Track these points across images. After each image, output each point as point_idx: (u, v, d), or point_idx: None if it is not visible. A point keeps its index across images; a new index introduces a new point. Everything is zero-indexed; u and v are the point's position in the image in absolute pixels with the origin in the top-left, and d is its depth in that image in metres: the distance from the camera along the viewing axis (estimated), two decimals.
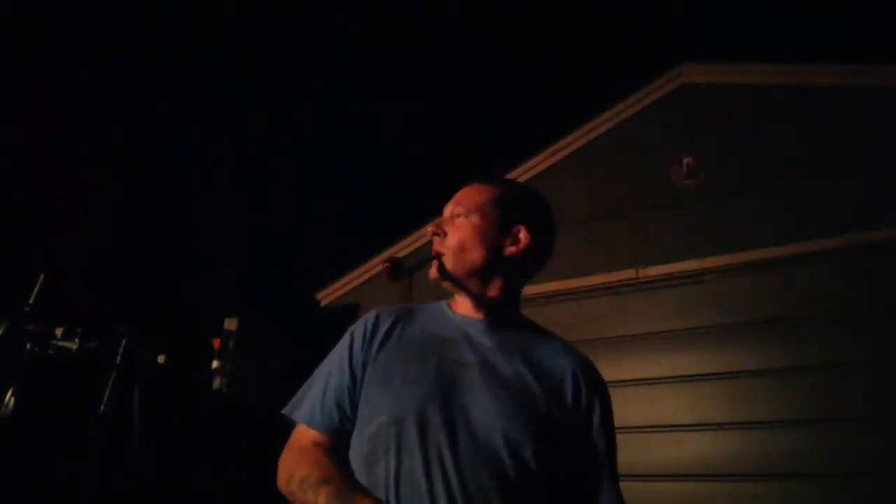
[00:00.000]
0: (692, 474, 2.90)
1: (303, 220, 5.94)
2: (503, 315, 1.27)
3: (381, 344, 1.22)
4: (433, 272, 1.26)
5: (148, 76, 5.19)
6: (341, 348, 1.25)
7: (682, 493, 2.90)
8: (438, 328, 1.25)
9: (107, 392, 1.86)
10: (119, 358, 1.91)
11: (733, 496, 2.79)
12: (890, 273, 2.71)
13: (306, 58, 6.28)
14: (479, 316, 1.26)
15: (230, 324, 2.22)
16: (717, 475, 2.85)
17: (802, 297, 2.88)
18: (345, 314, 4.28)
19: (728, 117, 3.30)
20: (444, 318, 1.29)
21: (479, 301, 1.26)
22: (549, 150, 3.78)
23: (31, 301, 1.94)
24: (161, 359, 2.00)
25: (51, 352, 1.87)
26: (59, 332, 1.88)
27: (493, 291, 1.26)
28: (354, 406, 1.17)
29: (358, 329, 1.26)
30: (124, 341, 1.93)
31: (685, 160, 3.28)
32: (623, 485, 1.21)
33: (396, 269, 1.28)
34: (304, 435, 1.18)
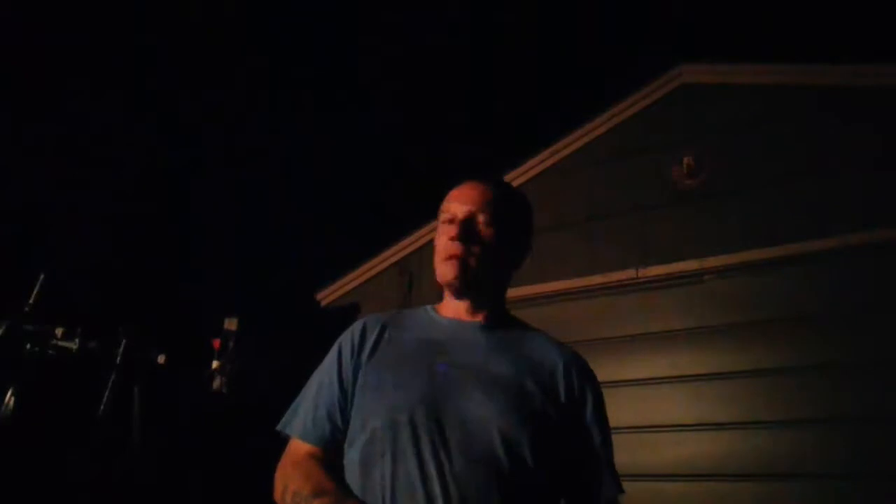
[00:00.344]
0: (692, 474, 2.90)
1: (303, 220, 5.94)
2: (495, 315, 1.29)
3: (371, 352, 1.22)
4: (454, 274, 1.22)
5: (147, 75, 5.19)
6: (330, 360, 1.25)
7: (682, 493, 2.90)
8: (428, 332, 1.25)
9: (107, 392, 1.86)
10: (119, 358, 1.91)
11: (733, 496, 2.79)
12: (890, 273, 2.71)
13: (306, 57, 6.28)
14: (473, 318, 1.27)
15: (230, 324, 2.23)
16: (717, 475, 2.85)
17: (802, 297, 2.88)
18: (345, 314, 4.28)
19: (728, 117, 3.30)
20: (432, 322, 1.29)
21: (479, 305, 1.27)
22: (549, 150, 3.78)
23: (31, 301, 1.94)
24: (161, 359, 2.01)
25: (51, 352, 1.87)
26: (59, 332, 1.88)
27: (493, 295, 1.29)
28: (346, 417, 1.18)
29: (345, 340, 1.26)
30: (124, 341, 1.93)
31: (685, 160, 3.28)
32: (623, 484, 1.21)
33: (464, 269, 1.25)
34: (298, 448, 1.20)
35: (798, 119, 3.11)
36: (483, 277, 1.24)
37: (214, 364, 2.17)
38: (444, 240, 1.24)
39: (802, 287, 2.89)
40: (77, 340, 1.88)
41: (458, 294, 1.26)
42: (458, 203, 1.25)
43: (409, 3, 6.22)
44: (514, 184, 3.71)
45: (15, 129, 4.11)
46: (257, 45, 5.93)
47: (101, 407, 1.84)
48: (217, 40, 5.49)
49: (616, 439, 1.25)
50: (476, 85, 6.78)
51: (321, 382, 1.23)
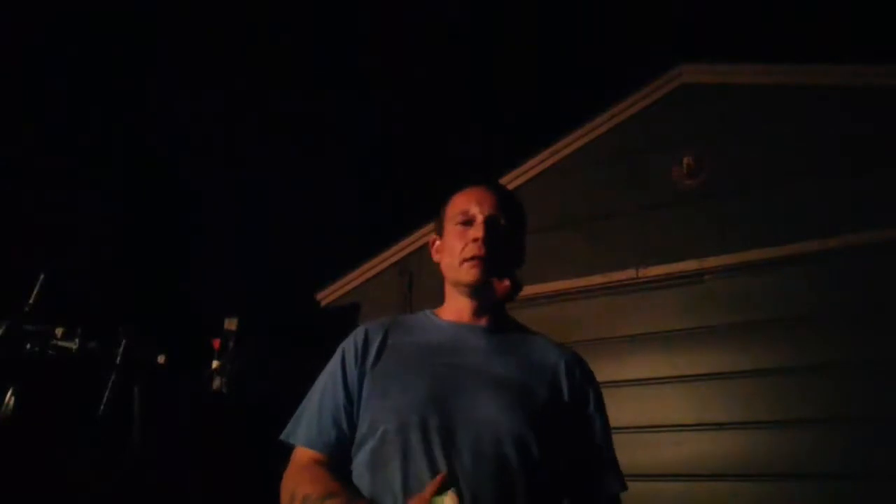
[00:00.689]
0: (692, 474, 2.90)
1: (303, 220, 5.94)
2: (497, 319, 1.30)
3: (375, 358, 1.23)
4: (480, 276, 1.23)
5: (147, 75, 5.19)
6: (333, 367, 1.26)
7: (682, 493, 2.90)
8: (430, 337, 1.26)
9: (107, 392, 1.86)
10: (119, 358, 1.91)
11: (733, 496, 2.79)
12: (890, 273, 2.71)
13: (306, 56, 6.28)
14: (476, 322, 1.28)
15: (230, 324, 2.23)
16: (717, 475, 2.85)
17: (802, 297, 2.88)
18: (345, 314, 4.28)
19: (728, 117, 3.30)
20: (433, 326, 1.30)
21: (484, 308, 1.28)
22: (550, 150, 3.78)
23: (31, 301, 1.94)
24: (161, 359, 2.01)
25: (51, 352, 1.87)
26: (59, 332, 1.88)
27: (498, 298, 1.30)
28: (352, 423, 1.19)
29: (348, 347, 1.26)
30: (124, 341, 1.93)
31: (685, 160, 3.28)
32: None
33: (516, 289, 1.29)
34: (303, 455, 1.20)
35: (798, 119, 3.11)
36: (497, 282, 1.27)
37: (214, 364, 2.17)
38: (463, 241, 1.25)
39: (802, 287, 2.89)
40: (77, 340, 1.87)
41: (477, 293, 1.27)
42: (478, 205, 1.27)
43: (409, 2, 6.22)
44: (515, 184, 3.72)
45: (14, 127, 4.11)
46: (257, 44, 5.93)
47: (101, 407, 1.84)
48: (217, 39, 5.49)
49: (616, 439, 1.26)
50: (476, 85, 6.78)
51: (325, 390, 1.23)
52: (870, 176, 2.84)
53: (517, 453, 1.09)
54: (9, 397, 1.83)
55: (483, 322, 1.28)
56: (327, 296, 4.44)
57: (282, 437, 1.24)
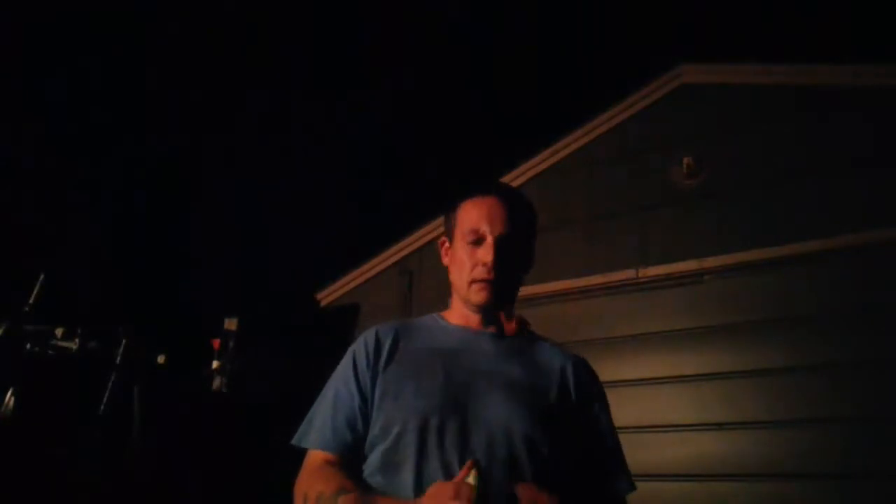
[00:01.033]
0: (692, 474, 2.90)
1: (303, 220, 5.94)
2: (502, 323, 1.31)
3: (387, 361, 1.23)
4: (488, 300, 1.24)
5: (147, 74, 5.19)
6: (345, 370, 1.25)
7: (682, 493, 2.90)
8: (440, 341, 1.27)
9: (107, 392, 1.86)
10: (119, 358, 1.91)
11: (733, 496, 2.79)
12: (890, 273, 2.71)
13: (307, 56, 6.27)
14: (485, 328, 1.29)
15: (230, 324, 2.22)
16: (717, 475, 2.85)
17: (802, 297, 2.88)
18: (345, 314, 4.28)
19: (728, 117, 3.30)
20: (442, 329, 1.31)
21: (494, 316, 1.29)
22: (550, 150, 3.78)
23: (31, 301, 1.94)
24: (161, 359, 2.01)
25: (51, 352, 1.87)
26: (59, 332, 1.88)
27: (507, 306, 1.31)
28: (367, 424, 1.19)
29: (359, 349, 1.26)
30: (124, 341, 1.93)
31: (685, 160, 3.28)
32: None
33: (522, 326, 1.32)
34: (316, 458, 1.19)
35: (798, 119, 3.11)
36: (510, 296, 1.30)
37: (214, 364, 2.17)
38: (472, 261, 1.24)
39: (802, 287, 2.89)
40: (77, 340, 1.87)
41: (486, 312, 1.28)
42: (488, 223, 1.24)
43: (409, 2, 6.22)
44: (514, 184, 3.72)
45: (14, 127, 4.11)
46: (258, 44, 5.93)
47: (101, 407, 1.84)
48: (217, 39, 5.49)
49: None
50: (477, 85, 6.78)
51: (337, 392, 1.23)
52: (870, 176, 2.84)
53: (529, 454, 1.10)
54: (9, 397, 1.83)
55: (492, 328, 1.29)
56: (327, 296, 4.45)
57: (293, 441, 1.23)
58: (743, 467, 2.80)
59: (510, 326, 1.28)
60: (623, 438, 1.28)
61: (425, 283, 3.92)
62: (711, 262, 3.09)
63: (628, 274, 3.30)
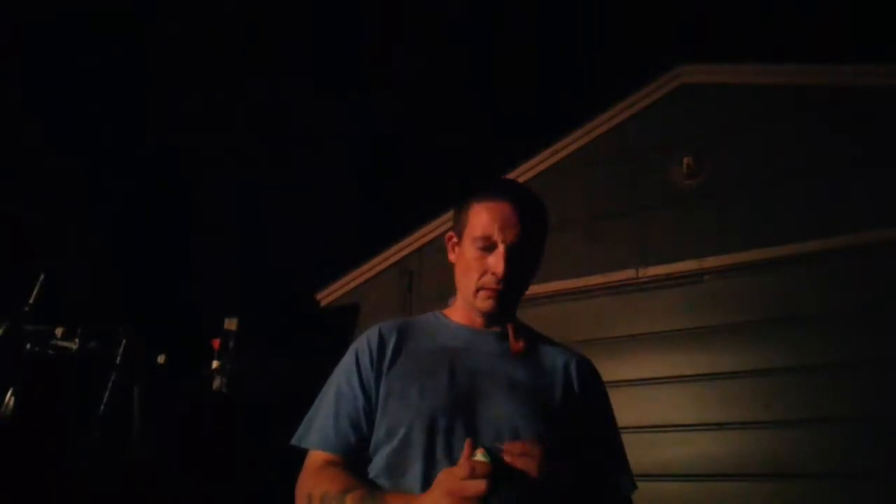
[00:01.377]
0: (692, 474, 2.90)
1: (303, 220, 5.94)
2: (505, 323, 1.30)
3: (392, 360, 1.21)
4: (495, 308, 1.22)
5: (147, 74, 5.19)
6: (348, 369, 1.23)
7: (682, 493, 2.90)
8: (444, 340, 1.26)
9: (107, 392, 1.86)
10: (119, 358, 1.91)
11: (733, 496, 2.79)
12: (890, 273, 2.71)
13: (306, 56, 6.27)
14: (489, 328, 1.28)
15: (230, 324, 2.23)
16: (717, 475, 2.85)
17: (802, 297, 2.88)
18: (345, 314, 4.28)
19: (728, 117, 3.30)
20: (445, 328, 1.29)
21: (498, 318, 1.27)
22: (550, 150, 3.78)
23: (31, 301, 1.94)
24: (161, 359, 2.01)
25: (51, 352, 1.87)
26: (59, 332, 1.89)
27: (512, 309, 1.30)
28: (371, 424, 1.17)
29: (362, 347, 1.24)
30: (124, 341, 1.93)
31: (685, 160, 3.28)
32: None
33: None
34: (317, 458, 1.17)
35: (798, 119, 3.11)
36: (517, 301, 1.28)
37: (214, 364, 2.18)
38: (481, 267, 1.21)
39: (802, 287, 2.89)
40: (77, 340, 1.88)
41: (491, 318, 1.26)
42: (500, 230, 1.19)
43: (409, 2, 6.22)
44: None
45: (14, 127, 4.11)
46: (258, 44, 5.93)
47: (101, 407, 1.84)
48: (217, 39, 5.48)
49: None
50: (477, 85, 6.78)
51: (340, 392, 1.20)
52: (870, 176, 2.84)
53: None
54: (9, 397, 1.83)
55: (496, 328, 1.28)
56: (327, 296, 4.44)
57: (293, 441, 1.21)
58: (743, 467, 2.80)
59: (517, 346, 1.24)
60: (623, 438, 1.28)
61: (425, 283, 3.92)
62: (711, 262, 3.09)
63: (628, 274, 3.30)
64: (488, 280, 1.20)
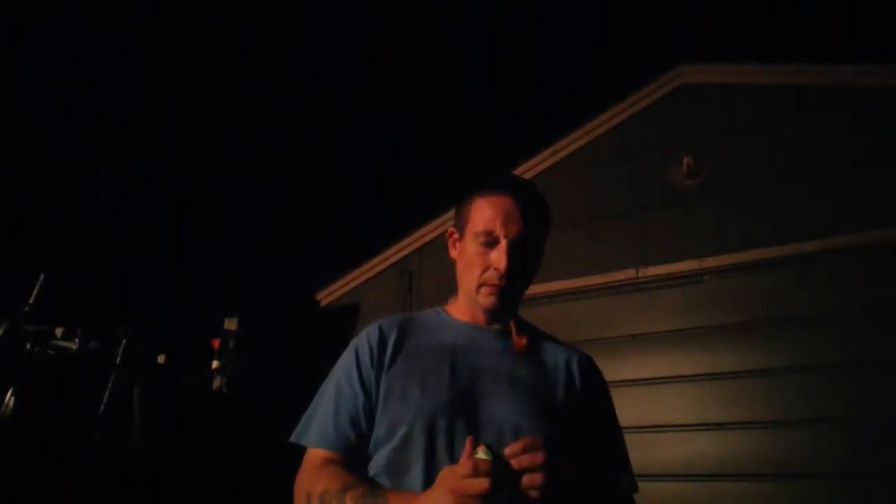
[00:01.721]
0: (692, 474, 2.90)
1: (303, 220, 5.94)
2: (508, 320, 1.29)
3: (392, 357, 1.20)
4: (497, 305, 1.21)
5: (147, 74, 5.19)
6: (347, 366, 1.21)
7: (682, 493, 2.90)
8: (445, 337, 1.24)
9: (107, 392, 1.86)
10: (119, 358, 1.91)
11: (733, 496, 2.79)
12: (890, 273, 2.71)
13: (307, 56, 6.28)
14: (491, 325, 1.27)
15: (230, 324, 2.22)
16: (717, 475, 2.85)
17: (802, 297, 2.88)
18: (345, 314, 4.29)
19: (728, 117, 3.30)
20: (446, 325, 1.28)
21: (500, 314, 1.26)
22: (550, 149, 3.78)
23: (31, 301, 1.94)
24: (161, 359, 2.01)
25: (51, 352, 1.87)
26: (59, 332, 1.88)
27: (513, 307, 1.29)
28: (371, 422, 1.15)
29: (362, 344, 1.22)
30: (124, 341, 1.93)
31: (685, 160, 3.28)
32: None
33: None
34: (316, 456, 1.16)
35: (798, 119, 3.11)
36: (519, 298, 1.26)
37: (214, 364, 2.17)
38: (483, 263, 1.20)
39: (802, 287, 2.90)
40: (77, 340, 1.88)
41: (492, 315, 1.25)
42: (503, 225, 1.18)
43: (409, 2, 6.22)
44: None
45: (14, 127, 4.11)
46: (258, 44, 5.93)
47: (101, 407, 1.84)
48: (218, 39, 5.49)
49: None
50: (477, 85, 6.78)
51: (339, 389, 1.19)
52: (870, 176, 2.84)
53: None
54: (9, 397, 1.83)
55: (497, 325, 1.26)
56: (327, 296, 4.45)
57: (292, 439, 1.20)
58: (743, 467, 2.80)
59: (520, 343, 1.23)
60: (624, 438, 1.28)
61: (425, 283, 3.92)
62: (711, 262, 3.09)
63: (628, 274, 3.30)
64: (490, 276, 1.19)
